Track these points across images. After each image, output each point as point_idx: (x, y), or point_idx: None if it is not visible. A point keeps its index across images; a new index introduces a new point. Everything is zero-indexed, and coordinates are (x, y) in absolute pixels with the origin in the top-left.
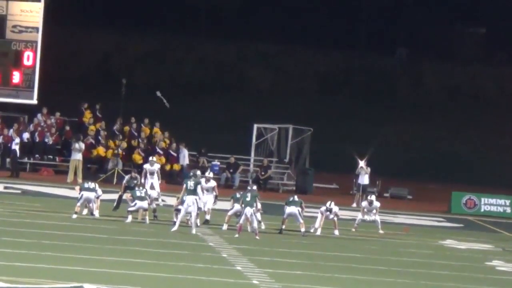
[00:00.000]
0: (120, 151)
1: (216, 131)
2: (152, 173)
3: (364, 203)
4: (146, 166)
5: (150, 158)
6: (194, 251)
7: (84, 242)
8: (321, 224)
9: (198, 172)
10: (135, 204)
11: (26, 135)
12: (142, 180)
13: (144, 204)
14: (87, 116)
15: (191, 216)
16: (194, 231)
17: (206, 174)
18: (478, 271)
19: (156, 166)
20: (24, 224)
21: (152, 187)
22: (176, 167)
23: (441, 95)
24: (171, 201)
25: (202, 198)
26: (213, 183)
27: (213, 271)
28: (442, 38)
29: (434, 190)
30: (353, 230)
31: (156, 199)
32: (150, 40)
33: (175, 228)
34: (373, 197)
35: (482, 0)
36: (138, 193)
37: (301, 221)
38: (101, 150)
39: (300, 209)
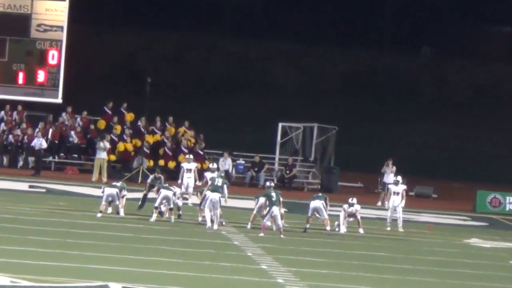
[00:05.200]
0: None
1: (241, 130)
2: (189, 171)
3: (391, 185)
4: (184, 164)
5: (187, 156)
6: (219, 250)
7: (109, 241)
8: (344, 221)
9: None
10: (160, 193)
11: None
12: (179, 181)
13: (169, 193)
14: (102, 125)
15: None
16: (216, 227)
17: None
18: (503, 269)
19: (193, 165)
20: (49, 223)
21: (187, 187)
22: (203, 166)
23: (466, 94)
24: (198, 200)
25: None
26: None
27: (238, 270)
28: (467, 37)
29: (459, 189)
30: (388, 229)
31: (186, 198)
32: (174, 39)
33: (209, 225)
34: (399, 178)
35: None
36: (164, 184)
37: (326, 216)
38: (129, 146)
39: (324, 203)
